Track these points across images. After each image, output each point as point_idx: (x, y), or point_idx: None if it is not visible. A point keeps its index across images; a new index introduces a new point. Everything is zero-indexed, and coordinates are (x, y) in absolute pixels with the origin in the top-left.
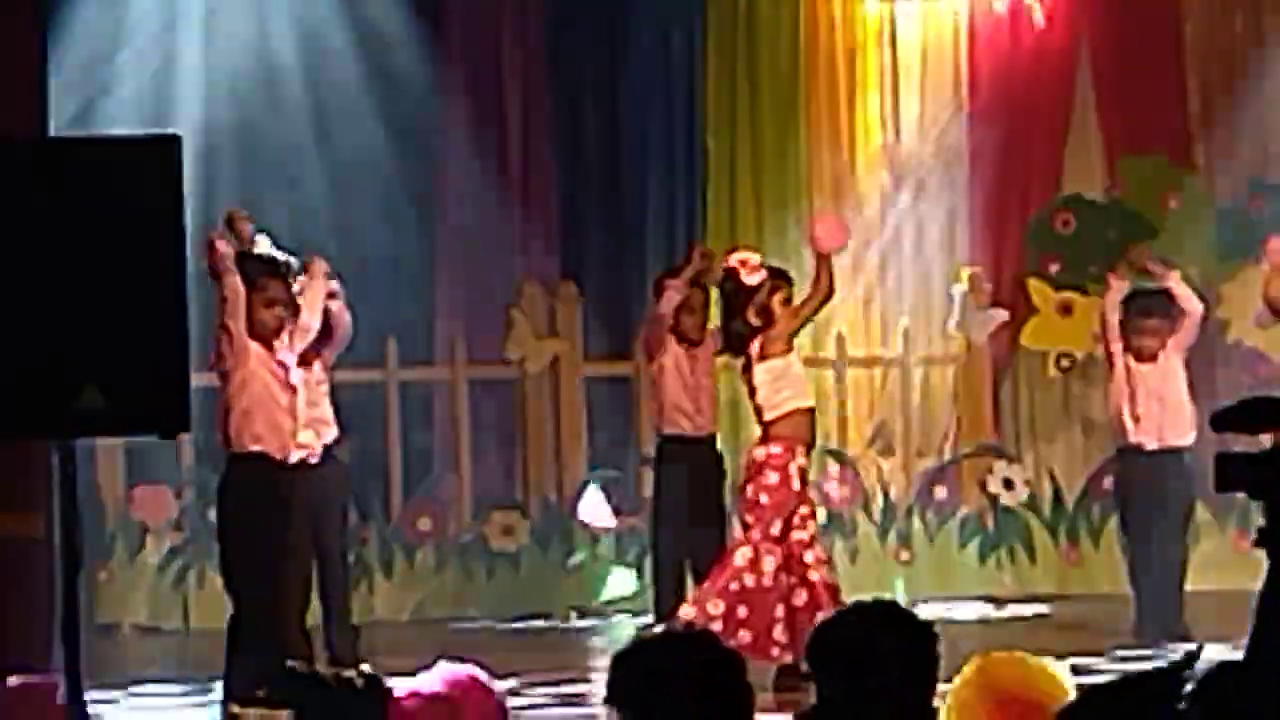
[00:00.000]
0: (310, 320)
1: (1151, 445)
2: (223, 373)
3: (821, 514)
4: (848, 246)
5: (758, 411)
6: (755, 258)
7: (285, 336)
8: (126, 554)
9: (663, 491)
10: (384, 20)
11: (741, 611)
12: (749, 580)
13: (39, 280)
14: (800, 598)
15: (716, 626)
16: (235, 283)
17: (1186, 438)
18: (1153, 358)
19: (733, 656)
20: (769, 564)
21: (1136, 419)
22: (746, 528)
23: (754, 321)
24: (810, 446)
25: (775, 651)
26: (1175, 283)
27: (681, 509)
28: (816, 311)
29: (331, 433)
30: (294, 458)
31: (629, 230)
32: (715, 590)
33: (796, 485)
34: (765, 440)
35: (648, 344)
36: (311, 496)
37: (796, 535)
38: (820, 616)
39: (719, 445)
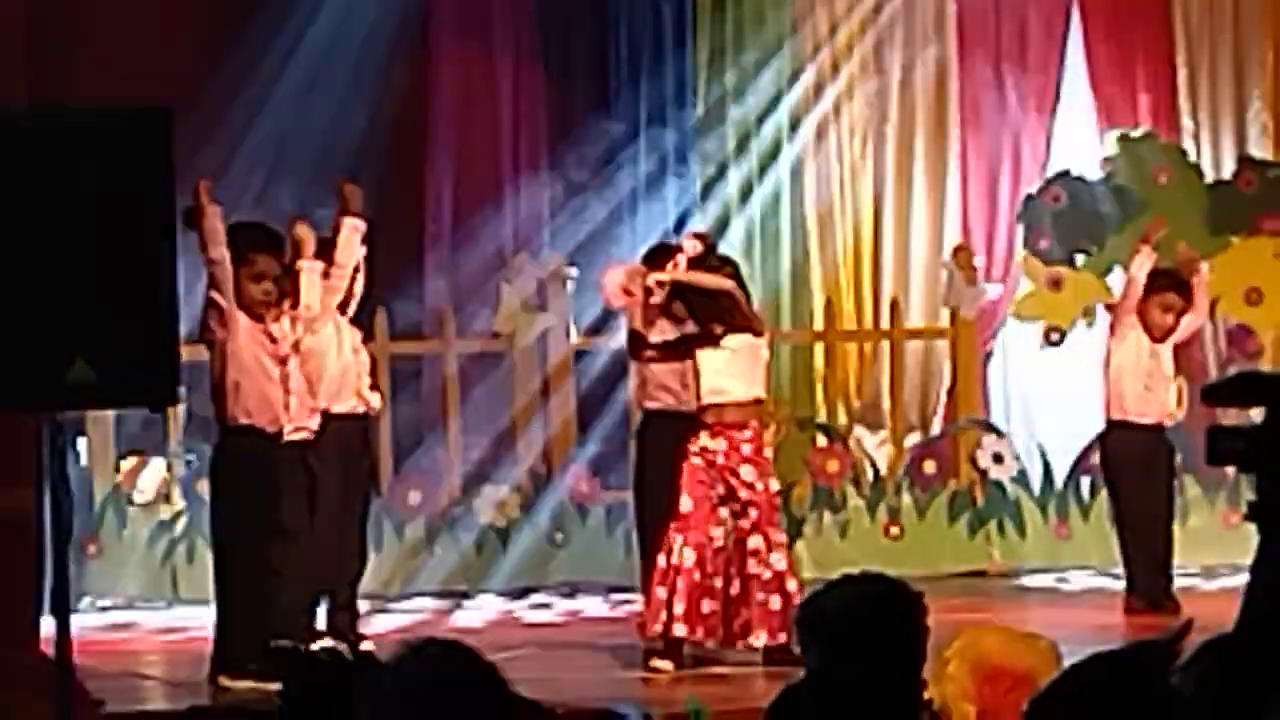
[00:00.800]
0: (342, 271)
1: (1148, 421)
2: (211, 345)
3: (809, 488)
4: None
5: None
6: (689, 245)
7: (280, 309)
8: (116, 528)
9: (646, 466)
10: None
11: (660, 593)
12: (678, 563)
13: (27, 252)
14: (734, 587)
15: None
16: (223, 254)
17: (1178, 415)
18: (1164, 337)
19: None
20: (690, 555)
21: (1138, 394)
22: (678, 515)
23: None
24: (738, 429)
25: (678, 628)
26: (1199, 276)
27: (663, 483)
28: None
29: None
30: (289, 431)
31: (619, 204)
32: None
33: (711, 464)
34: (696, 425)
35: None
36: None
37: (739, 523)
38: (745, 610)
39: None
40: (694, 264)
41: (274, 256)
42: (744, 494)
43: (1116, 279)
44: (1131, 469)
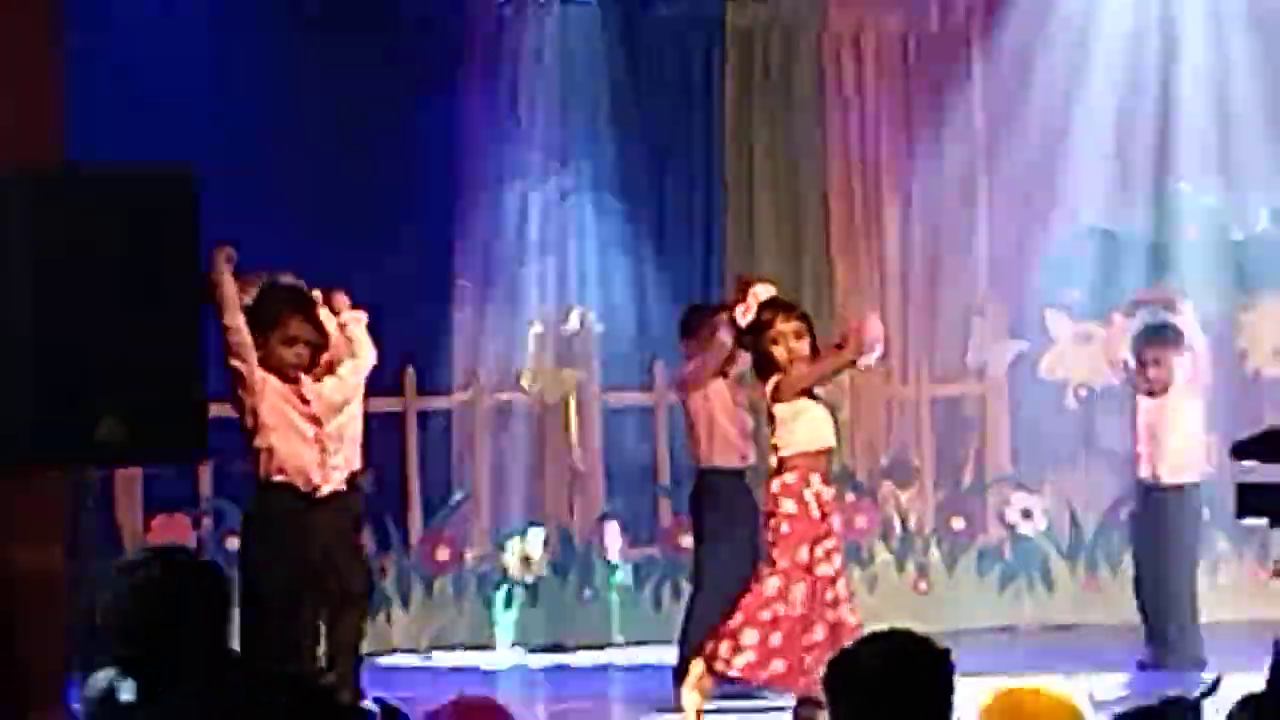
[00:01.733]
0: (368, 358)
1: (1154, 480)
2: (240, 409)
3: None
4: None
5: (774, 448)
6: (759, 292)
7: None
8: None
9: (707, 523)
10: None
11: (774, 640)
12: (780, 609)
13: (56, 310)
14: (819, 634)
15: (749, 657)
16: (238, 323)
17: (1196, 474)
18: (1161, 392)
19: None
20: (798, 592)
21: (1137, 455)
22: (773, 560)
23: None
24: (825, 480)
25: (803, 681)
26: (1185, 315)
27: (724, 540)
28: (839, 371)
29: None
30: (325, 489)
31: (646, 256)
32: (746, 620)
33: (816, 513)
34: (780, 471)
35: (695, 376)
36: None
37: (820, 569)
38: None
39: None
40: (770, 306)
41: (306, 319)
42: (832, 541)
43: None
44: (1147, 529)
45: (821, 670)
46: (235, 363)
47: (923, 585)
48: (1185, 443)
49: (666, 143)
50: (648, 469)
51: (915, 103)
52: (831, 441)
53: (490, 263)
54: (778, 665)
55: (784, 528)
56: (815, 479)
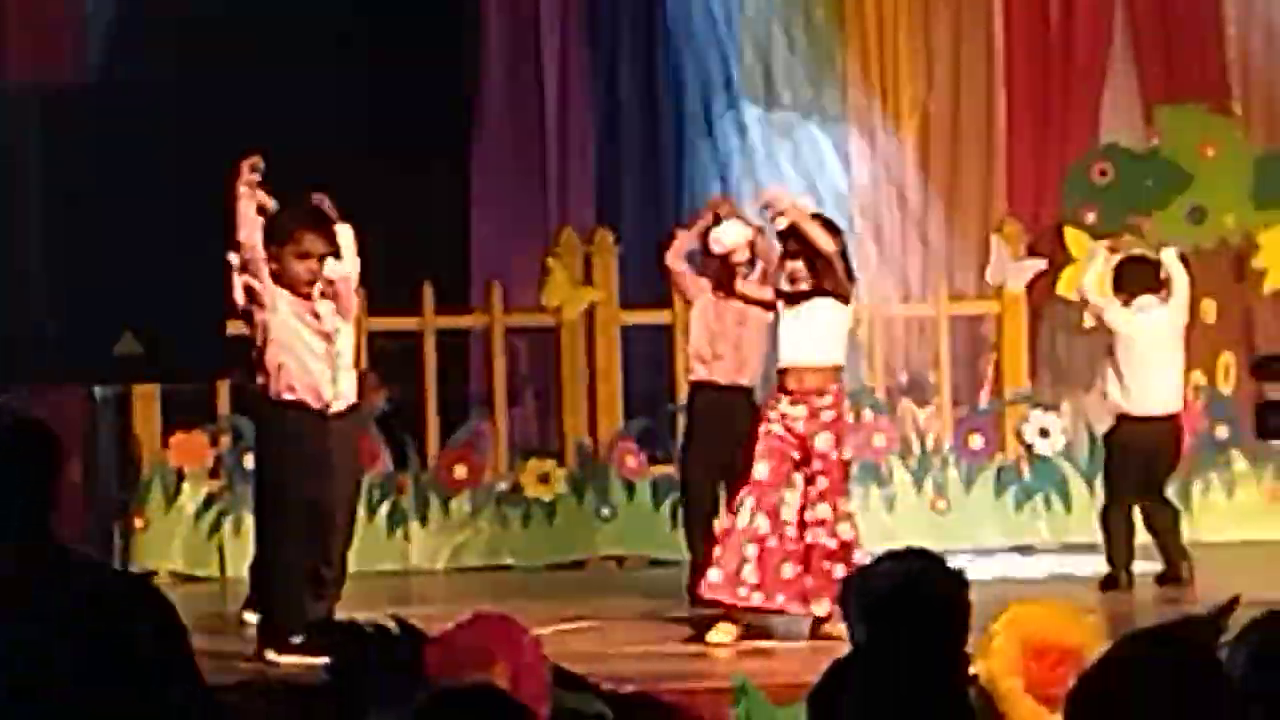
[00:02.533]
0: (351, 269)
1: (1138, 412)
2: (252, 325)
3: (857, 463)
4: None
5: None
6: (783, 199)
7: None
8: (163, 501)
9: (690, 437)
10: None
11: (749, 554)
12: (725, 522)
13: (75, 229)
14: (789, 547)
15: (718, 577)
16: (251, 239)
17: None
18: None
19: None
20: (748, 504)
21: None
22: (749, 478)
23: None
24: (803, 397)
25: (742, 591)
26: (1168, 257)
27: (705, 454)
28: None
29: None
30: (337, 405)
31: (665, 177)
32: (721, 544)
33: (779, 430)
34: (778, 388)
35: (680, 288)
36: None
37: (808, 490)
38: (810, 578)
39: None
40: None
41: (320, 235)
42: (817, 463)
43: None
44: (1126, 459)
45: (808, 587)
46: (248, 278)
47: (940, 504)
48: (1163, 378)
49: (682, 58)
50: (666, 387)
51: (934, 19)
52: (791, 360)
53: (508, 180)
54: (713, 574)
55: (759, 445)
56: (784, 399)
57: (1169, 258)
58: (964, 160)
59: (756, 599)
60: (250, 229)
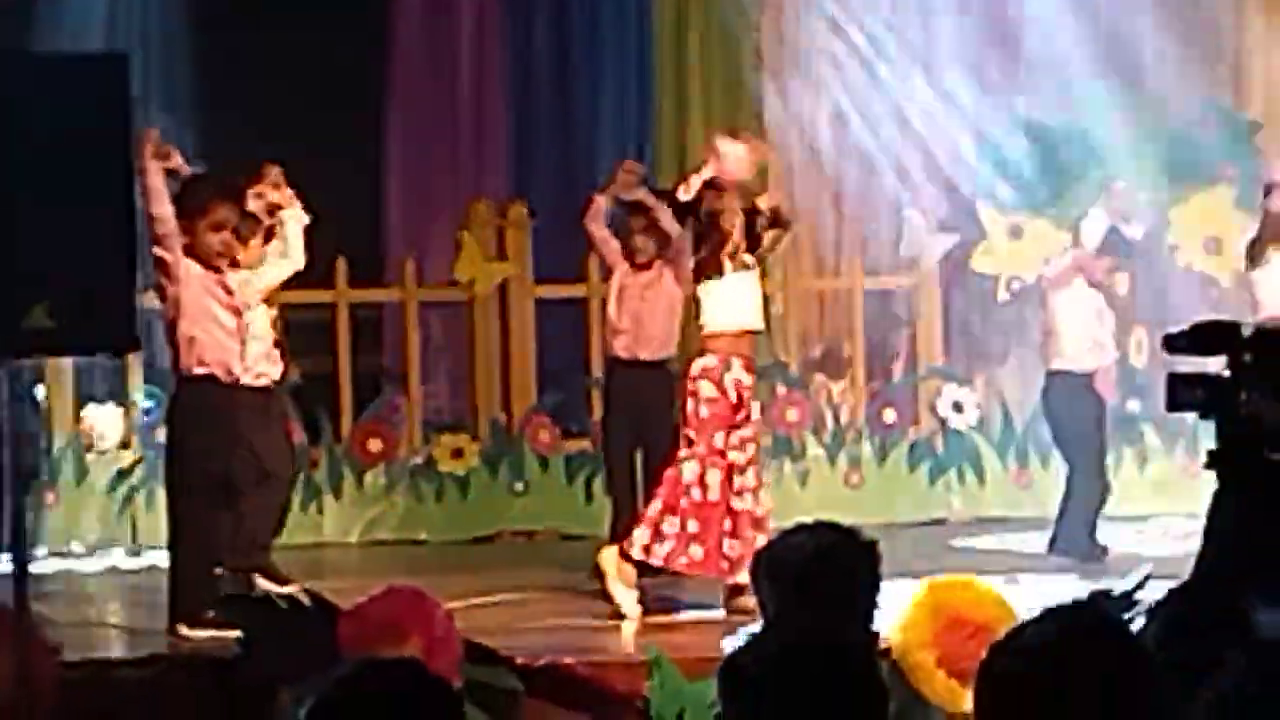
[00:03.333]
0: (297, 260)
1: (1087, 369)
2: (163, 297)
3: (769, 437)
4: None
5: (699, 327)
6: (701, 175)
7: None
8: (75, 475)
9: (609, 412)
10: None
11: (692, 527)
12: (696, 495)
13: None
14: (727, 523)
15: (670, 545)
16: (163, 212)
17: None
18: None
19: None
20: (714, 477)
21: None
22: (690, 443)
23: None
24: (748, 366)
25: (725, 566)
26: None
27: (626, 429)
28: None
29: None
30: (248, 380)
31: (579, 149)
32: (665, 507)
33: (734, 398)
34: (701, 353)
35: (602, 258)
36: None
37: (732, 456)
38: (735, 543)
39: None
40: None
41: (233, 206)
42: (749, 430)
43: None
44: (1073, 418)
45: (732, 554)
46: (160, 251)
47: (854, 478)
48: (1106, 332)
49: (598, 28)
50: (580, 362)
51: None
52: (754, 323)
53: (422, 153)
54: (696, 551)
55: (702, 411)
56: (736, 363)
57: None
58: (879, 133)
59: (697, 553)
60: (159, 202)
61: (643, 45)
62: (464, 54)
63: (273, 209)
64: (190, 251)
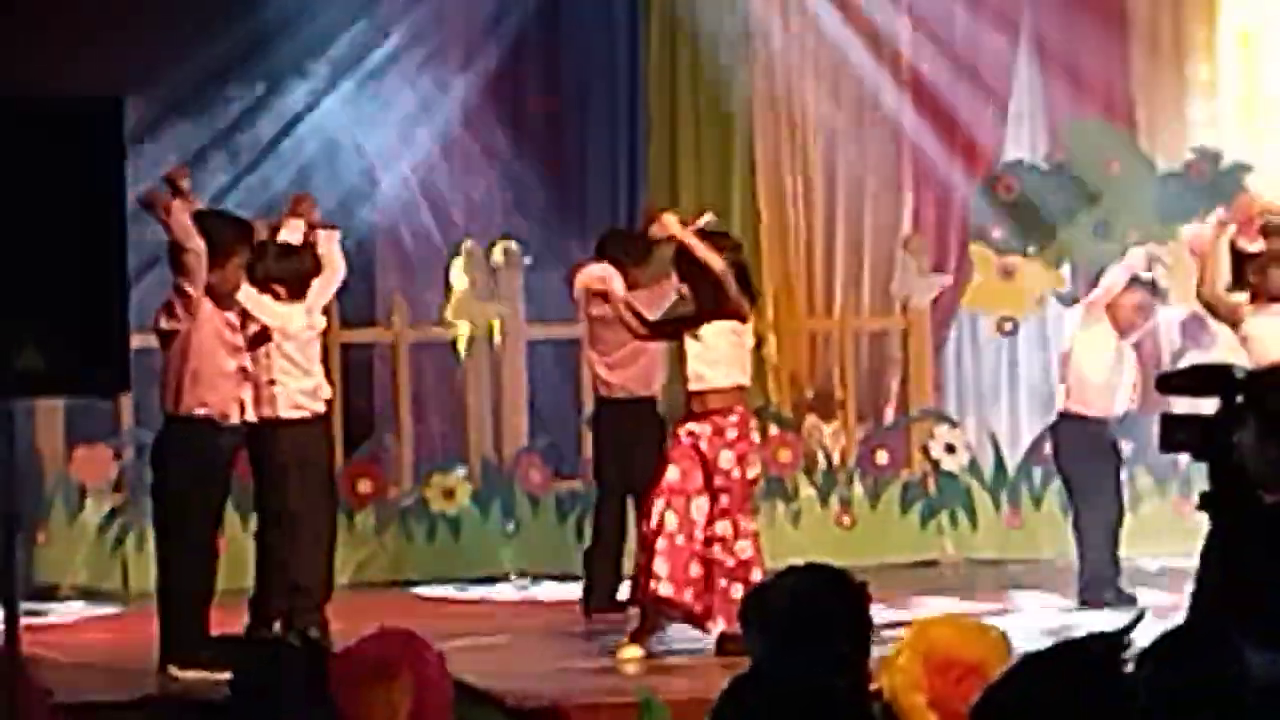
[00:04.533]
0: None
1: (1100, 415)
2: (169, 333)
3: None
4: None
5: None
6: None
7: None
8: (66, 515)
9: (599, 453)
10: None
11: (658, 566)
12: (661, 534)
13: None
14: (695, 548)
15: (640, 582)
16: (199, 246)
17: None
18: (1129, 334)
19: None
20: (672, 520)
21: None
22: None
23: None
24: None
25: (693, 605)
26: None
27: (616, 469)
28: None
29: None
30: (290, 413)
31: (571, 190)
32: (639, 548)
33: (698, 450)
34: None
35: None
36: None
37: (698, 503)
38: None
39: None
40: (701, 237)
41: (250, 246)
42: (718, 480)
43: (1068, 269)
44: (1088, 463)
45: (716, 600)
46: (184, 283)
47: (846, 520)
48: (1124, 378)
49: (589, 76)
50: (572, 402)
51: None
52: (699, 384)
53: (413, 195)
54: (664, 589)
55: (671, 452)
56: (690, 418)
57: None
58: (870, 175)
59: (665, 590)
60: (191, 236)
61: (634, 88)
62: (456, 97)
63: (309, 232)
64: (209, 289)
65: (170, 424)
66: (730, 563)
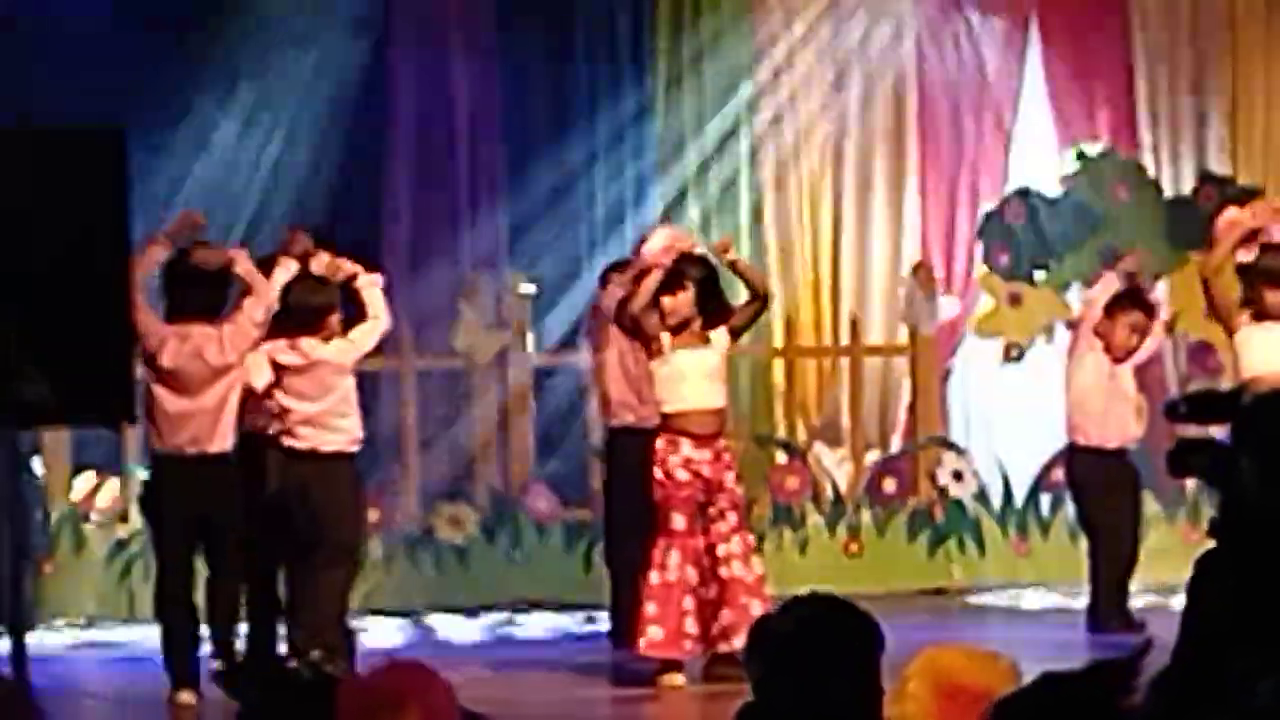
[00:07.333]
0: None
1: (1111, 445)
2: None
3: (769, 506)
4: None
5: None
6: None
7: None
8: (71, 546)
9: (613, 483)
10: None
11: (651, 609)
12: (655, 577)
13: None
14: (711, 591)
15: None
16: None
17: (1138, 436)
18: (1126, 358)
19: None
20: (674, 559)
21: (1099, 417)
22: (655, 525)
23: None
24: (708, 440)
25: (688, 645)
26: (1157, 296)
27: (629, 498)
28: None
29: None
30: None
31: (577, 219)
32: (635, 592)
33: (684, 476)
34: (657, 435)
35: (591, 336)
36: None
37: (716, 527)
38: (728, 612)
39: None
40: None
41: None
42: (722, 501)
43: (1076, 296)
44: (1097, 493)
45: (716, 630)
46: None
47: (854, 547)
48: (1126, 404)
49: (595, 95)
50: (579, 431)
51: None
52: (689, 403)
53: (421, 224)
54: (655, 632)
55: (657, 494)
56: (686, 443)
57: None
58: (877, 204)
59: (699, 650)
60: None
61: (640, 111)
62: (462, 127)
63: (350, 278)
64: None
65: (161, 460)
66: (750, 578)
